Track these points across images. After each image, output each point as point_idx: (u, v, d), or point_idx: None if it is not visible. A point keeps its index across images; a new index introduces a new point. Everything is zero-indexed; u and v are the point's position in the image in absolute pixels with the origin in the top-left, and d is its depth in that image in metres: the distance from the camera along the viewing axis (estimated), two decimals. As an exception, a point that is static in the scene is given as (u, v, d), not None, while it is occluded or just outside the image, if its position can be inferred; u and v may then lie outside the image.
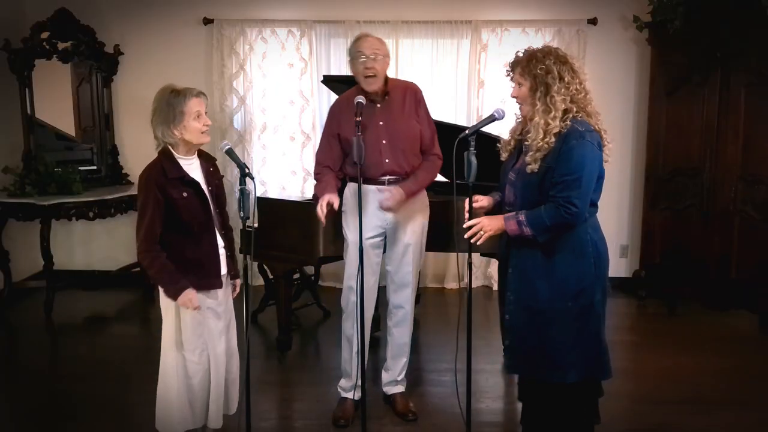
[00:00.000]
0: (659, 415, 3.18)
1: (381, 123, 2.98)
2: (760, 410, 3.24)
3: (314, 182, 3.13)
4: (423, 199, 3.15)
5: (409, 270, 3.09)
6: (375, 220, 3.02)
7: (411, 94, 3.06)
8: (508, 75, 2.39)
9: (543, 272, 2.31)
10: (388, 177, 2.99)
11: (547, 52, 2.28)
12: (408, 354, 3.24)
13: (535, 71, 2.24)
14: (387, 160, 2.97)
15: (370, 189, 2.99)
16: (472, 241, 2.38)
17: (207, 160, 2.60)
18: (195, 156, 2.54)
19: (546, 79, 2.23)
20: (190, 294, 2.42)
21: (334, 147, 3.05)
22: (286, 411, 3.32)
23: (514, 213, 2.30)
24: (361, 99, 2.85)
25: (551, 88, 2.22)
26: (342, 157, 3.06)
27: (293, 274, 3.96)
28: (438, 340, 4.22)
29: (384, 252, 3.14)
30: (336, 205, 2.92)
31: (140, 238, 2.42)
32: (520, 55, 2.33)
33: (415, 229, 3.09)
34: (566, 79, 2.23)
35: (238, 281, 2.70)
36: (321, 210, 2.90)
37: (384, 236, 3.09)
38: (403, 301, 3.14)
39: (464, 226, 2.39)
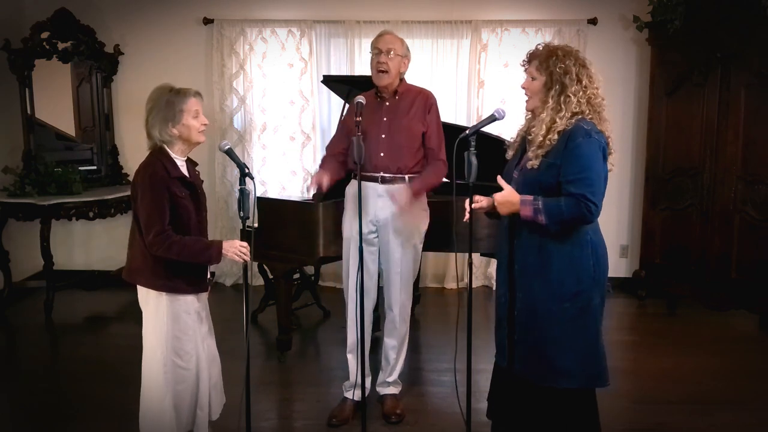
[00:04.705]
0: (659, 415, 3.18)
1: (385, 119, 3.02)
2: (760, 410, 3.25)
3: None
4: (420, 203, 3.11)
5: (398, 271, 3.07)
6: (367, 217, 3.02)
7: (422, 99, 3.08)
8: (524, 65, 2.35)
9: (540, 272, 2.27)
10: (382, 174, 3.01)
11: (568, 51, 2.24)
12: (398, 356, 3.19)
13: (553, 69, 2.21)
14: (382, 154, 3.00)
15: (367, 185, 3.00)
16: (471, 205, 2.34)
17: (191, 164, 2.57)
18: (185, 158, 2.50)
19: (563, 79, 2.20)
20: (227, 243, 2.39)
21: (342, 138, 3.15)
22: (286, 411, 3.32)
23: (531, 198, 2.20)
24: (361, 99, 2.86)
25: (567, 88, 2.19)
26: (347, 149, 3.11)
27: (293, 274, 3.96)
28: (438, 340, 4.22)
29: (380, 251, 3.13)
30: (324, 186, 2.99)
31: (154, 232, 2.32)
32: (540, 48, 2.29)
33: (409, 230, 3.06)
34: (584, 82, 2.20)
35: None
36: (312, 184, 3.06)
37: (377, 234, 3.08)
38: (392, 302, 3.12)
39: (474, 205, 2.33)
